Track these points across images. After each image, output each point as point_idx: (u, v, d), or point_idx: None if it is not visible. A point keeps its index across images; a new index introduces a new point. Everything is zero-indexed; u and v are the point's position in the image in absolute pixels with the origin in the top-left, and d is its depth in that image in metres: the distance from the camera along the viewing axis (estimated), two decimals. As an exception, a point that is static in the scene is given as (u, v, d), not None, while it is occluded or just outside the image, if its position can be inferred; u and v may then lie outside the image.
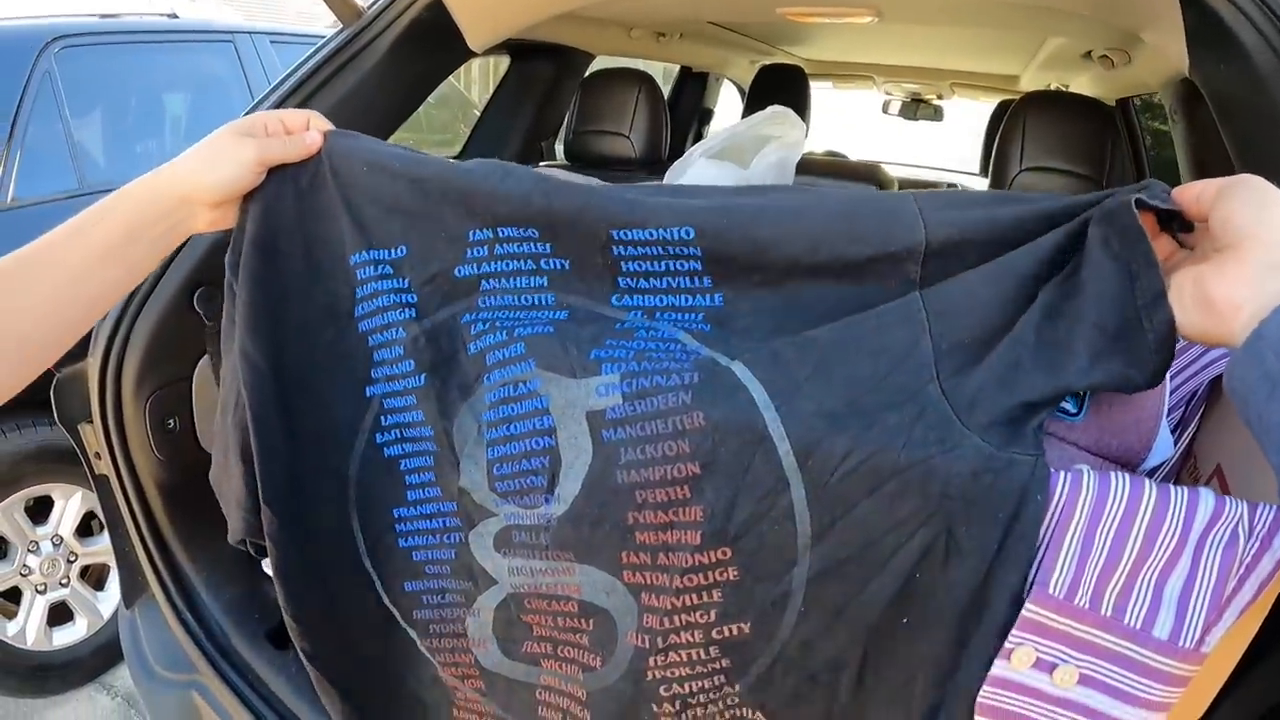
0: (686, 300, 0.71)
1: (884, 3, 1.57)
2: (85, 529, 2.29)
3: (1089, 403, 0.73)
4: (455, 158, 2.57)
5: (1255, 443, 0.50)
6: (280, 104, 1.22)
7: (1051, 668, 0.60)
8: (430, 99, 1.50)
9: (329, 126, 0.77)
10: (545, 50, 2.21)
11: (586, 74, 2.18)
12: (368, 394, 0.78)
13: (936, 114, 3.69)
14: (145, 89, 2.77)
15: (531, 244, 0.73)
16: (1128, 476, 0.59)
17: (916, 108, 3.66)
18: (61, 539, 2.21)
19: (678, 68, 3.28)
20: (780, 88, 2.72)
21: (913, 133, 4.26)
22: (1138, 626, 0.58)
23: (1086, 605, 0.59)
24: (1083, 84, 2.53)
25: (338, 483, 0.79)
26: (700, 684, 0.69)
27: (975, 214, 0.66)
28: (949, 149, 5.15)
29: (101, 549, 2.29)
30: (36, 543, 2.17)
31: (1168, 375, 0.64)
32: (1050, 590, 0.59)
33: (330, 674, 0.83)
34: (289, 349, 0.77)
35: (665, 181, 1.06)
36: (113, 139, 2.63)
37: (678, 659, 0.68)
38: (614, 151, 1.94)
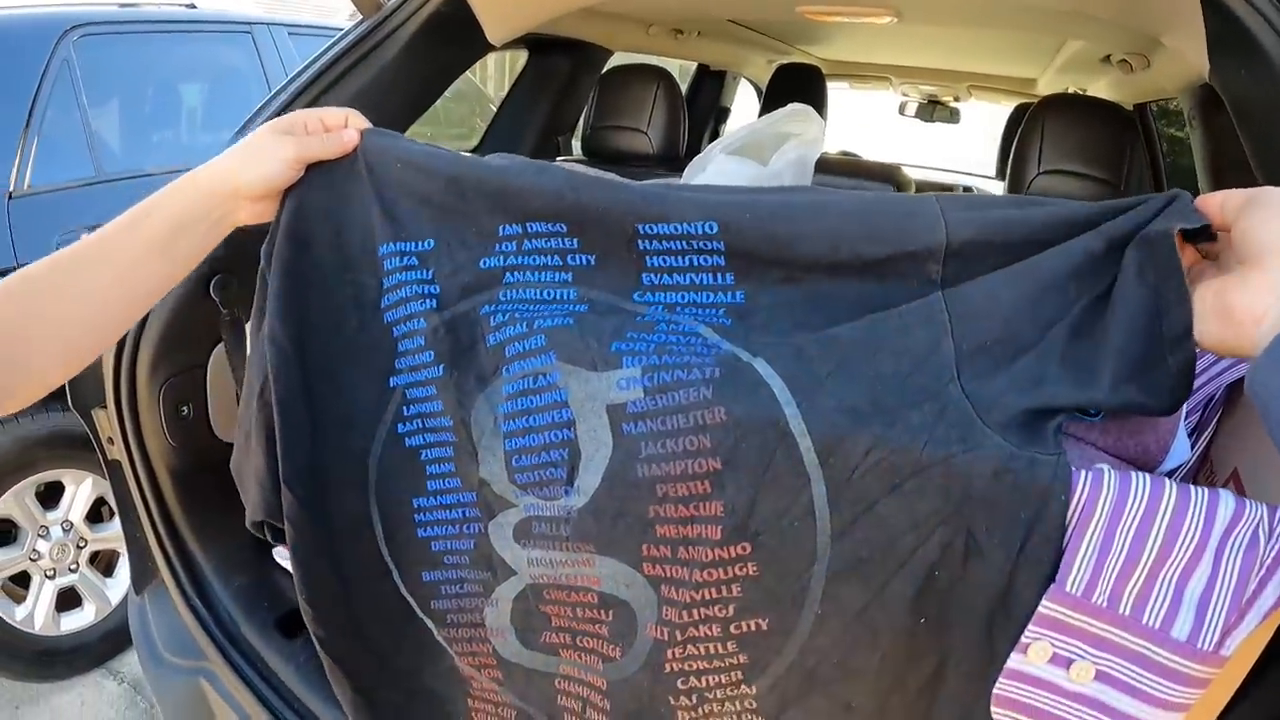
0: (708, 296, 0.71)
1: (904, 3, 1.57)
2: (95, 515, 2.30)
3: (1108, 405, 0.73)
4: (472, 151, 2.58)
5: (1273, 448, 0.51)
6: (299, 95, 1.23)
7: (1068, 663, 0.61)
8: (447, 93, 1.51)
9: (366, 124, 0.79)
10: (563, 45, 2.21)
11: (605, 70, 2.18)
12: (391, 384, 0.78)
13: (953, 116, 3.67)
14: (163, 79, 2.78)
15: (559, 239, 0.74)
16: (1148, 476, 0.59)
17: (933, 110, 3.64)
18: (71, 524, 2.23)
19: (695, 65, 3.28)
20: (797, 87, 2.70)
21: (926, 134, 4.24)
22: (1156, 626, 0.58)
23: (1104, 603, 0.59)
24: (1101, 88, 2.52)
25: (358, 470, 0.79)
26: (718, 679, 0.69)
27: (997, 215, 0.66)
28: (961, 150, 5.14)
29: (111, 535, 2.30)
30: (46, 528, 2.19)
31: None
32: (1067, 588, 0.59)
33: (343, 661, 0.83)
34: (315, 336, 0.78)
35: (685, 176, 1.06)
36: (130, 128, 2.64)
37: (696, 652, 0.68)
38: (632, 147, 1.94)
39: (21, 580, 2.19)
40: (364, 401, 0.79)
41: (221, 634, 1.20)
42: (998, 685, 0.63)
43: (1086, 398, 0.61)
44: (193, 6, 2.90)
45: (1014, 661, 0.62)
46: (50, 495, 2.20)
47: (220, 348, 1.25)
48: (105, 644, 2.30)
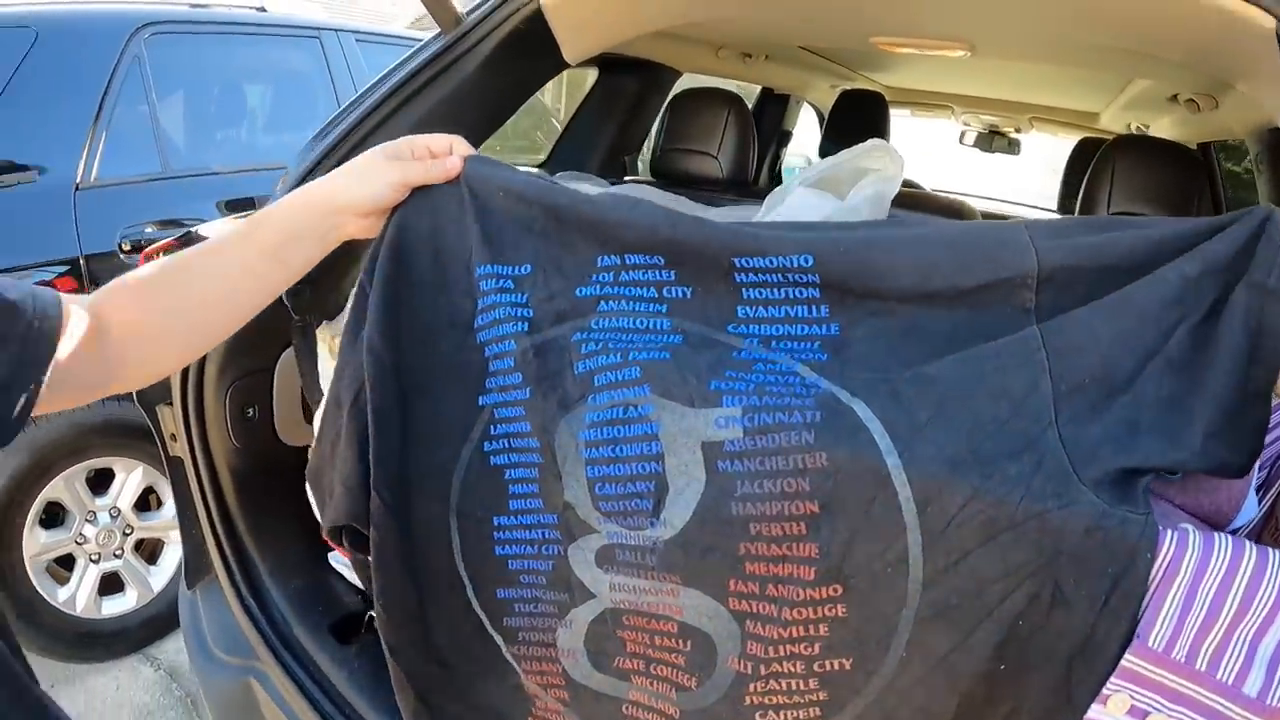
0: (803, 329, 0.72)
1: (978, 38, 1.56)
2: (143, 504, 2.34)
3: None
4: (539, 166, 2.60)
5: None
6: (380, 104, 1.25)
7: (1145, 715, 0.62)
8: (515, 107, 1.52)
9: (471, 151, 0.83)
10: (632, 65, 2.23)
11: (676, 92, 2.19)
12: (480, 403, 0.80)
13: (1012, 147, 3.65)
14: (230, 79, 2.84)
15: (656, 271, 0.75)
16: (1230, 538, 0.62)
17: (992, 140, 3.62)
18: (119, 511, 2.26)
19: (758, 88, 3.28)
20: (860, 113, 2.71)
21: (981, 163, 4.21)
22: (1229, 682, 0.60)
23: (1183, 659, 0.61)
24: (1164, 126, 2.48)
25: (442, 484, 0.81)
26: (796, 714, 0.69)
27: (1085, 240, 0.68)
28: (1016, 180, 5.09)
29: (158, 524, 2.34)
30: (94, 513, 2.23)
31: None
32: (1150, 643, 0.61)
33: (409, 670, 0.84)
34: (411, 349, 0.80)
35: (764, 208, 1.06)
36: (196, 126, 2.69)
37: (777, 687, 0.69)
38: (702, 171, 1.93)
39: (66, 563, 2.23)
40: (452, 417, 0.80)
41: (274, 635, 1.21)
42: None
43: (1177, 459, 0.63)
44: (263, 10, 2.95)
45: (1094, 712, 0.63)
46: (100, 481, 2.24)
47: (288, 352, 1.27)
48: (145, 630, 2.33)
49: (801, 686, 0.68)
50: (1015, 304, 0.67)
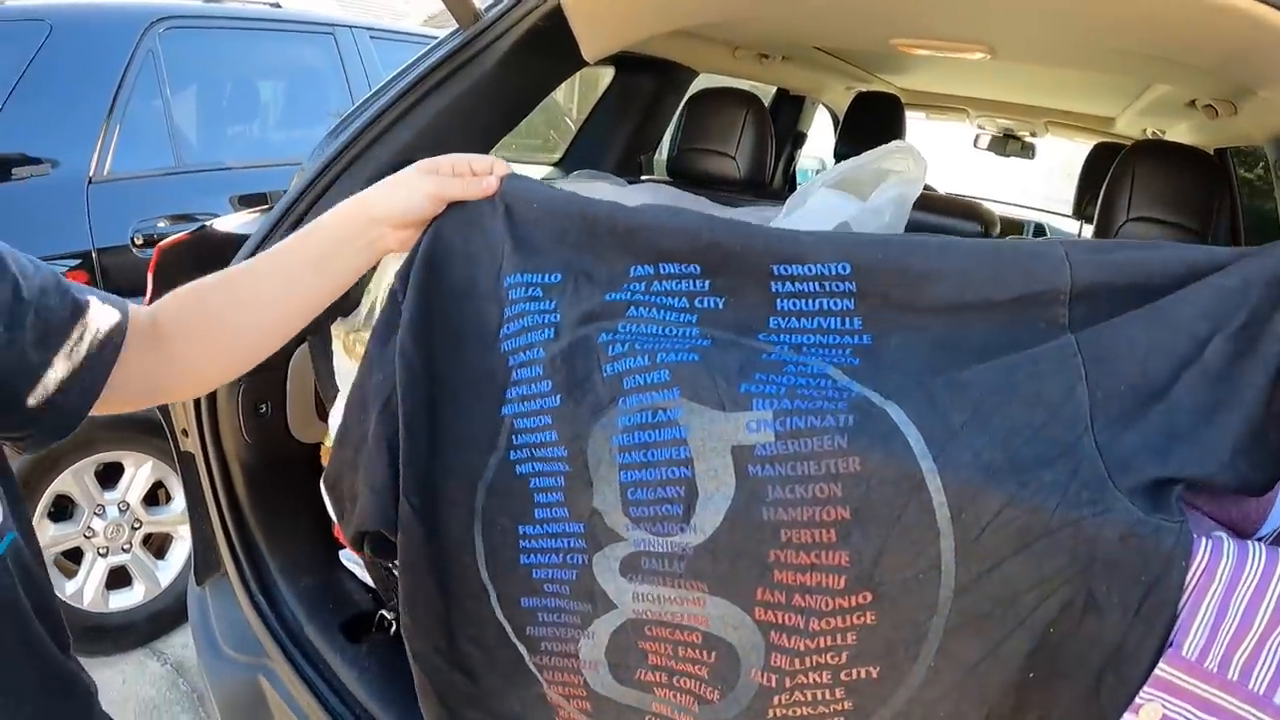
0: (834, 339, 0.72)
1: (999, 40, 1.55)
2: (152, 498, 2.34)
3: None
4: (555, 165, 2.58)
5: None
6: (395, 101, 1.24)
7: None
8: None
9: (508, 171, 0.85)
10: (649, 64, 2.21)
11: (693, 92, 2.18)
12: (502, 413, 0.79)
13: (1025, 151, 3.64)
14: (244, 74, 2.84)
15: (691, 281, 0.76)
16: (1263, 546, 0.62)
17: (1006, 143, 3.61)
18: (128, 505, 2.26)
19: (773, 89, 3.27)
20: (875, 115, 2.69)
21: (993, 166, 4.20)
22: (1260, 692, 0.60)
23: (1215, 668, 0.61)
24: (1181, 131, 2.47)
25: (467, 493, 0.81)
26: None
27: (1119, 257, 0.68)
28: (1026, 184, 5.07)
29: (166, 519, 2.34)
30: (103, 506, 2.22)
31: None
32: (1184, 652, 0.61)
33: (433, 677, 0.84)
34: (441, 358, 0.81)
35: (785, 208, 1.05)
36: (210, 121, 2.70)
37: (802, 698, 0.68)
38: (719, 171, 1.92)
39: (74, 556, 2.23)
40: (477, 427, 0.80)
41: (284, 632, 1.21)
42: None
43: (1208, 471, 0.63)
44: (277, 5, 2.95)
45: None
46: (109, 475, 2.24)
47: (302, 349, 1.26)
48: (152, 624, 2.33)
49: (827, 696, 0.67)
50: (1049, 319, 0.67)
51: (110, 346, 0.65)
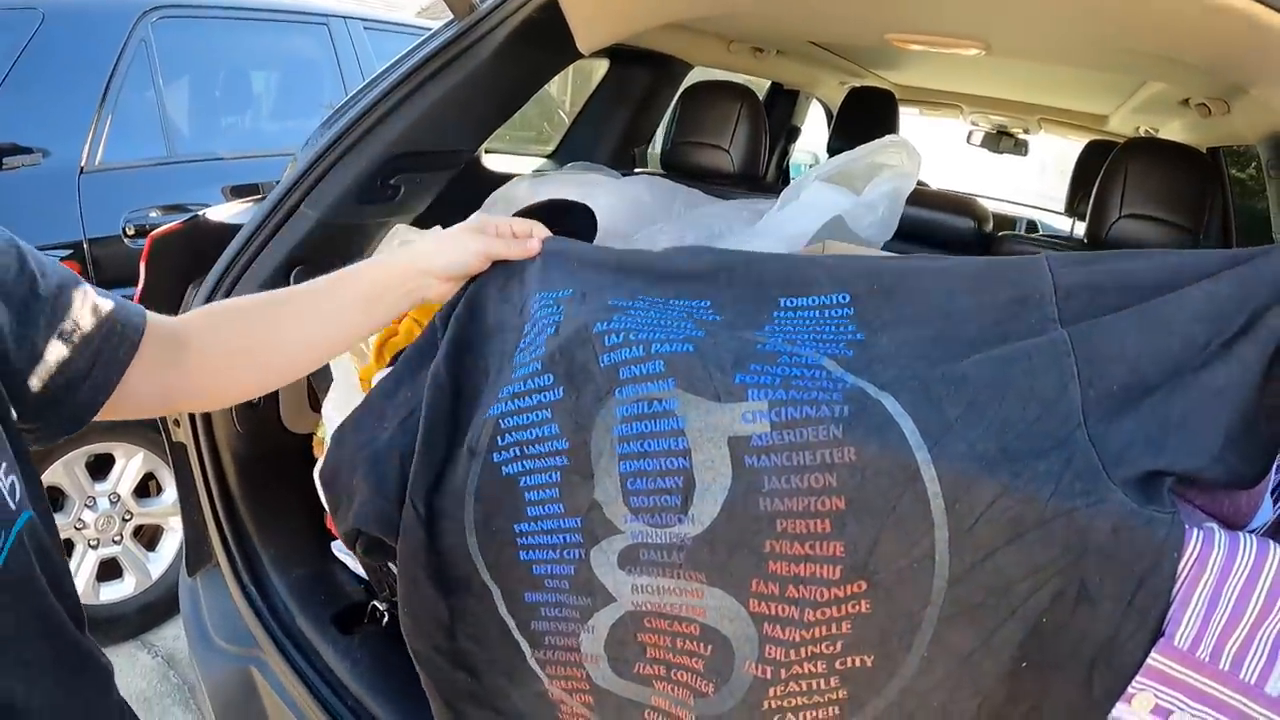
0: (830, 333, 0.74)
1: (995, 36, 1.55)
2: (143, 489, 2.33)
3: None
4: (549, 156, 2.57)
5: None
6: (389, 92, 1.24)
7: (1168, 714, 0.63)
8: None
9: (548, 234, 0.90)
10: (644, 57, 2.22)
11: (688, 85, 2.18)
12: (489, 414, 0.80)
13: (1019, 148, 3.66)
14: (237, 65, 2.83)
15: (700, 311, 0.79)
16: (1254, 537, 0.63)
17: (1000, 140, 3.62)
18: (119, 497, 2.26)
19: (767, 83, 3.27)
20: (869, 110, 2.70)
21: (984, 162, 4.21)
22: (1251, 681, 0.61)
23: (1207, 658, 0.62)
24: (1174, 129, 2.48)
25: (455, 504, 0.81)
26: (815, 714, 0.69)
27: (1102, 265, 0.70)
28: (1018, 180, 5.09)
29: (157, 510, 2.33)
30: (94, 498, 2.22)
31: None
32: (1176, 642, 0.62)
33: (436, 676, 0.84)
34: (468, 387, 0.84)
35: (779, 202, 1.05)
36: (202, 111, 2.68)
37: (797, 689, 0.68)
38: (713, 164, 1.93)
39: (65, 548, 2.22)
40: (469, 433, 0.82)
41: (275, 623, 1.21)
42: None
43: (1198, 465, 0.63)
44: (271, -5, 2.93)
45: (1119, 710, 0.64)
46: (100, 467, 2.23)
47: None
48: (142, 616, 2.33)
49: (822, 685, 0.68)
50: (1039, 314, 0.69)
51: (125, 346, 0.67)
